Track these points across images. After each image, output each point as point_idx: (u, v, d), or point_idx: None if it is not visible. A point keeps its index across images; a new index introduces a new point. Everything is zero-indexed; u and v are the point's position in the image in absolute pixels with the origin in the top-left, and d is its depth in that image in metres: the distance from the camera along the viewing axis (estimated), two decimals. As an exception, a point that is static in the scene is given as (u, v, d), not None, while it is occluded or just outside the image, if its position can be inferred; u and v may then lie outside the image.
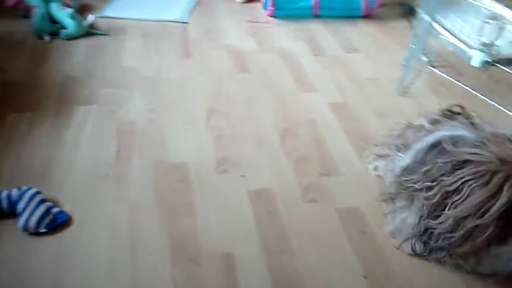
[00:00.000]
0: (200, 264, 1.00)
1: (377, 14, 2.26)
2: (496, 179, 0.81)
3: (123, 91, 1.58)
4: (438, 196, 0.86)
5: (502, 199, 0.80)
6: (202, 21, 2.15)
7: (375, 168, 1.24)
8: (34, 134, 1.37)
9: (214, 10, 2.27)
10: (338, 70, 1.78)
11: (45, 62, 1.75)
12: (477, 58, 1.79)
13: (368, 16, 2.24)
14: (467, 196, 0.83)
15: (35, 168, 1.24)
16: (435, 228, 0.87)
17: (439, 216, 0.87)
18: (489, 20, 1.76)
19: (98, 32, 1.97)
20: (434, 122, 1.08)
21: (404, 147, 1.10)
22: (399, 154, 1.12)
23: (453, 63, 1.86)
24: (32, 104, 1.50)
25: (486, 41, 1.77)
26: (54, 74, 1.68)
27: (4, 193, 1.08)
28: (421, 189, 0.90)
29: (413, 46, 1.60)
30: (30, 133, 1.37)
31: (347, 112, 1.53)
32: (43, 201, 1.09)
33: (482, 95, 1.64)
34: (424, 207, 0.89)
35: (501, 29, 1.71)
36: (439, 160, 0.89)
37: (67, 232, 1.06)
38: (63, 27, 1.92)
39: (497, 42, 1.78)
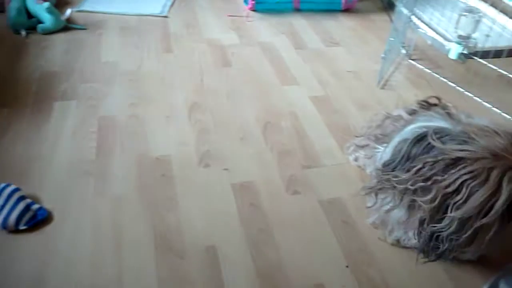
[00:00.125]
0: (184, 257, 1.00)
1: (357, 8, 2.28)
2: (494, 176, 0.82)
3: (103, 86, 1.56)
4: (438, 199, 0.85)
5: (503, 195, 0.81)
6: (183, 15, 2.13)
7: (356, 159, 1.25)
8: (12, 131, 1.34)
9: (194, 4, 2.25)
10: (319, 63, 1.79)
11: (22, 58, 1.71)
12: (454, 50, 1.83)
13: (348, 10, 2.25)
14: (468, 196, 0.83)
15: (14, 164, 1.22)
16: (441, 231, 0.86)
17: (442, 219, 0.86)
18: (465, 13, 1.80)
19: (76, 26, 1.94)
20: (412, 112, 1.10)
21: (383, 137, 1.11)
22: (378, 146, 1.13)
23: (432, 56, 1.89)
24: (9, 101, 1.47)
25: (463, 34, 1.81)
26: (31, 69, 1.64)
27: (-18, 190, 1.06)
28: (415, 190, 0.89)
29: (392, 40, 1.62)
30: (8, 129, 1.34)
31: (328, 105, 1.54)
32: (22, 198, 1.07)
33: (460, 87, 1.67)
34: (424, 211, 0.88)
35: (477, 22, 1.75)
36: (429, 159, 0.87)
37: (48, 229, 1.05)
38: (40, 22, 1.88)
39: (474, 35, 1.82)
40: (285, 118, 1.46)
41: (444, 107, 1.07)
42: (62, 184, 1.17)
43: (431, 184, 0.86)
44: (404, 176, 0.91)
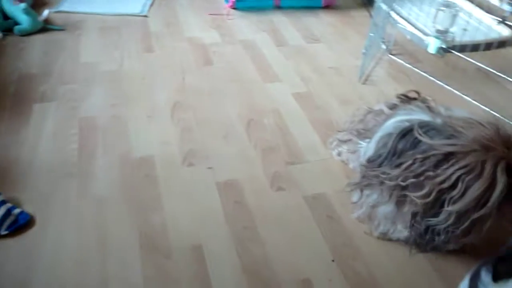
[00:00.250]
0: (170, 257, 1.00)
1: (337, 4, 2.29)
2: (488, 169, 0.83)
3: (83, 87, 1.54)
4: (433, 194, 0.86)
5: (499, 186, 0.82)
6: (163, 14, 2.11)
7: (339, 154, 1.26)
8: (-10, 134, 1.31)
9: (174, 3, 2.24)
10: (301, 60, 1.80)
11: (-1, 60, 1.68)
12: (433, 45, 1.85)
13: (328, 6, 2.27)
14: (464, 190, 0.83)
15: (-7, 169, 1.20)
16: (437, 225, 0.87)
17: (438, 213, 0.87)
18: (443, 8, 1.83)
19: (54, 27, 1.91)
20: (392, 107, 1.11)
21: (365, 132, 1.12)
22: (360, 141, 1.14)
23: (411, 51, 1.91)
24: (-13, 103, 1.44)
25: (441, 28, 1.83)
26: (9, 71, 1.61)
27: (-39, 196, 1.04)
28: (406, 186, 0.89)
29: (372, 35, 1.63)
30: (-14, 133, 1.32)
31: (310, 101, 1.55)
32: (3, 202, 1.05)
33: (439, 80, 1.70)
34: (417, 206, 0.89)
35: (454, 16, 1.78)
36: (419, 156, 0.88)
37: (30, 233, 1.03)
38: (17, 23, 1.84)
39: (451, 29, 1.85)
40: (268, 115, 1.46)
41: (424, 101, 1.08)
42: (44, 187, 1.15)
43: (424, 179, 0.87)
44: (394, 172, 0.91)
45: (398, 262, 1.03)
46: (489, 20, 2.10)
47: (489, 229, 0.93)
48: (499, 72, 1.66)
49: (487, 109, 1.56)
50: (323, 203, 1.16)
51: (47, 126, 1.35)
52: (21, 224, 1.03)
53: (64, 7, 2.09)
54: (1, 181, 1.15)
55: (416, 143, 0.91)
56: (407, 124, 0.97)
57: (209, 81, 1.62)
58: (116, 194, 1.14)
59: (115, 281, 0.94)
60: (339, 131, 1.30)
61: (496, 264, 0.88)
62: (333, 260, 1.02)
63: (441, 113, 0.98)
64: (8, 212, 1.03)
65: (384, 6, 1.77)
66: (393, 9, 1.96)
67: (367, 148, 1.05)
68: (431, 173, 0.86)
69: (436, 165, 0.86)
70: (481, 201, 0.83)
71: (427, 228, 0.89)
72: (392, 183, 0.91)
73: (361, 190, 1.03)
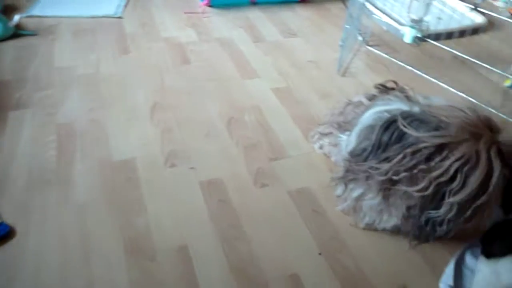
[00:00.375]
0: (156, 259, 0.98)
1: (313, -2, 2.30)
2: (483, 156, 0.83)
3: (59, 92, 1.51)
4: (431, 188, 0.86)
5: (496, 171, 0.83)
6: (138, 14, 2.09)
7: (321, 147, 1.27)
8: (-36, 145, 1.28)
9: (149, 3, 2.21)
10: (279, 55, 1.79)
11: (-30, 68, 1.63)
12: (408, 34, 1.87)
13: (304, 0, 2.27)
14: (464, 181, 0.84)
15: (-31, 180, 1.17)
16: (438, 217, 0.87)
17: (439, 205, 0.87)
18: (417, -3, 1.84)
19: (26, 32, 1.86)
20: (371, 98, 1.12)
21: (345, 124, 1.12)
22: (340, 134, 1.13)
23: (388, 41, 1.93)
24: (-41, 114, 1.40)
25: (416, 18, 1.85)
26: (-19, 80, 1.57)
27: None
28: (398, 180, 0.89)
29: (348, 27, 1.64)
30: (-40, 144, 1.28)
31: (290, 96, 1.55)
32: (-20, 214, 1.03)
33: (417, 69, 1.71)
34: (412, 200, 0.89)
35: (428, 5, 1.79)
36: (408, 150, 0.87)
37: (11, 244, 1.01)
38: (-13, 30, 1.80)
39: (426, 18, 1.87)
40: (248, 112, 1.46)
41: (402, 90, 1.09)
42: (23, 196, 1.12)
43: (417, 172, 0.87)
44: (385, 166, 0.90)
45: (385, 253, 1.04)
46: (462, 8, 2.13)
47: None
48: (474, 58, 1.68)
49: (464, 95, 1.59)
50: (307, 197, 1.16)
51: (24, 134, 1.32)
52: (1, 236, 1.01)
53: (36, 11, 2.04)
54: (-22, 192, 1.13)
55: (401, 135, 0.90)
56: (386, 115, 0.97)
57: (188, 80, 1.61)
58: (97, 199, 1.12)
59: (100, 286, 0.93)
60: (320, 125, 1.30)
61: (487, 242, 0.89)
62: (320, 254, 1.02)
63: (419, 101, 0.99)
64: (-13, 224, 1.01)
65: (359, -2, 1.78)
66: (368, 0, 1.97)
67: (348, 141, 1.05)
68: (424, 166, 0.86)
69: (429, 158, 0.86)
70: (482, 188, 0.84)
71: (427, 220, 0.89)
72: (383, 177, 0.90)
73: (345, 184, 1.03)
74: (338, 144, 1.16)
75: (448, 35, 1.91)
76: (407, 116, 0.92)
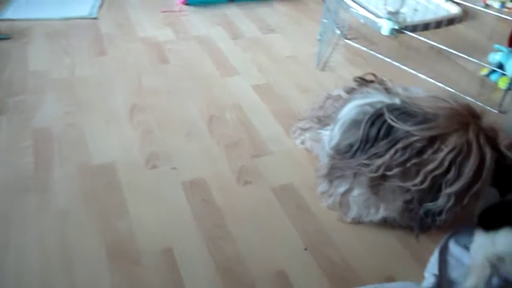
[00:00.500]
0: (140, 263, 0.97)
1: (290, -7, 2.29)
2: (474, 144, 0.84)
3: (34, 97, 1.48)
4: (427, 181, 0.86)
5: (488, 157, 0.84)
6: (113, 15, 2.05)
7: (302, 142, 1.26)
8: None
9: (125, 3, 2.17)
10: (258, 51, 1.79)
11: None
12: (386, 27, 1.88)
13: (281, -5, 2.26)
14: (459, 171, 0.85)
15: None
16: (437, 208, 0.88)
17: (436, 197, 0.88)
18: (392, -11, 1.85)
19: (-2, 36, 1.81)
20: (350, 91, 1.12)
21: (324, 118, 1.12)
22: (321, 130, 1.12)
23: (366, 34, 1.93)
24: None
25: (392, 10, 1.86)
26: (-48, 87, 1.52)
27: None
28: (391, 176, 0.89)
29: (326, 21, 1.64)
30: None
31: (271, 92, 1.54)
32: (-44, 225, 1.00)
33: (395, 61, 1.72)
34: (407, 194, 0.89)
35: (404, -3, 1.80)
36: (399, 145, 0.87)
37: (-11, 255, 0.98)
38: (-43, 35, 1.74)
39: (402, 10, 1.88)
40: (229, 109, 1.45)
41: (381, 82, 1.09)
42: (0, 205, 1.09)
43: (410, 166, 0.87)
44: (377, 162, 0.90)
45: (370, 245, 1.04)
46: (438, -1, 2.15)
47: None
48: (450, 48, 1.70)
49: (441, 85, 1.60)
50: (291, 193, 1.16)
51: (-1, 141, 1.29)
52: (-22, 247, 0.98)
53: (8, 14, 1.99)
54: (-47, 203, 1.09)
55: (389, 129, 0.90)
56: (368, 108, 0.96)
57: (167, 80, 1.59)
58: (77, 204, 1.10)
59: (84, 294, 0.91)
60: (300, 120, 1.30)
61: (485, 219, 0.92)
62: (305, 249, 1.02)
63: (399, 93, 0.99)
64: (-37, 235, 0.97)
65: (335, -8, 1.78)
66: (344, -6, 1.97)
67: (331, 136, 1.04)
68: (417, 160, 0.86)
69: (420, 151, 0.86)
70: (476, 176, 0.85)
71: (426, 212, 0.90)
72: (374, 174, 0.90)
73: (330, 181, 1.03)
74: (320, 139, 1.16)
75: (424, 26, 1.93)
76: (394, 110, 0.91)
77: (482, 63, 1.63)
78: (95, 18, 2.01)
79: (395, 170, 0.88)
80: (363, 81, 1.12)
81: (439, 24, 1.96)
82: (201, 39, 1.86)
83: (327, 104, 1.16)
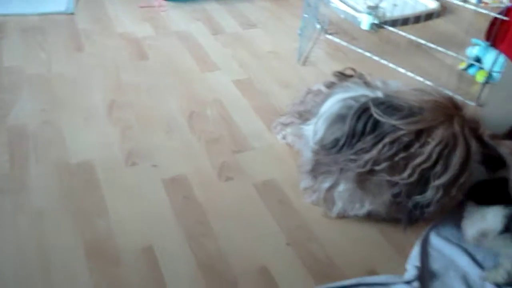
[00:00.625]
0: (120, 263, 0.95)
1: (270, -12, 2.28)
2: (460, 137, 0.85)
3: (9, 94, 1.43)
4: (415, 175, 0.87)
5: (473, 148, 0.86)
6: (91, 10, 2.01)
7: (283, 137, 1.26)
8: None
9: (102, -2, 2.13)
10: (239, 47, 1.77)
11: None
12: (365, 21, 1.89)
13: (261, -10, 2.25)
14: (446, 164, 0.86)
15: None
16: (426, 200, 0.89)
17: (424, 190, 0.88)
18: (372, -16, 1.86)
19: (-29, 32, 1.76)
20: (330, 85, 1.11)
21: (305, 113, 1.12)
22: (303, 125, 1.12)
23: (346, 29, 1.94)
24: None
25: (372, 4, 1.87)
26: None
27: None
28: (381, 170, 0.89)
29: (306, 16, 1.63)
30: None
31: (252, 87, 1.53)
32: None
33: (375, 56, 1.73)
34: (394, 187, 0.90)
35: (383, -8, 1.81)
36: (386, 140, 0.87)
37: (-37, 257, 0.95)
38: None
39: (381, 5, 1.89)
40: (210, 105, 1.43)
41: (360, 76, 1.09)
42: (-26, 205, 1.06)
43: (398, 161, 0.87)
44: (364, 157, 0.90)
45: (353, 239, 1.04)
46: (417, -6, 2.16)
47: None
48: (429, 43, 1.72)
49: (421, 79, 1.62)
50: (273, 189, 1.15)
51: (-28, 140, 1.25)
52: (-50, 249, 0.95)
53: (-20, 10, 1.93)
54: None
55: (375, 123, 0.90)
56: (352, 102, 0.96)
57: (146, 76, 1.56)
58: (55, 204, 1.07)
59: (63, 295, 0.89)
60: (281, 115, 1.29)
61: (476, 194, 0.95)
62: (288, 244, 1.02)
63: (378, 86, 0.99)
64: None
65: (315, -14, 1.77)
66: (324, -11, 1.97)
67: (315, 131, 1.03)
68: (404, 154, 0.87)
69: (408, 145, 0.87)
70: (463, 167, 0.86)
71: (415, 204, 0.91)
72: (363, 169, 0.90)
73: (315, 177, 1.02)
74: (302, 135, 1.15)
75: (404, 21, 1.94)
76: (379, 104, 0.91)
77: (460, 57, 1.65)
78: (72, 14, 1.96)
79: (383, 165, 0.88)
80: (342, 76, 1.12)
81: (418, 19, 1.98)
82: (181, 34, 1.84)
83: (307, 99, 1.15)
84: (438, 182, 0.87)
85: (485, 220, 0.91)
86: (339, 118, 0.97)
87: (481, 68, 1.63)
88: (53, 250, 0.97)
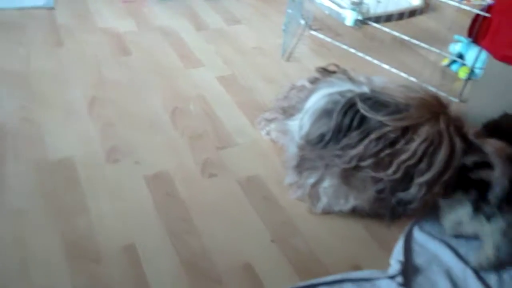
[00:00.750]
0: (101, 262, 0.93)
1: (254, -16, 2.26)
2: (445, 134, 0.85)
3: (-14, 90, 1.40)
4: (400, 172, 0.87)
5: (458, 146, 0.86)
6: (71, 4, 1.96)
7: (267, 133, 1.25)
8: None
9: (83, -7, 2.09)
10: (223, 42, 1.76)
11: None
12: (350, 18, 1.89)
13: (245, -14, 2.23)
14: (431, 161, 0.86)
15: None
16: (409, 197, 0.89)
17: (408, 187, 0.88)
18: (356, -20, 1.86)
19: None
20: (314, 81, 1.11)
21: (289, 109, 1.11)
22: (287, 121, 1.11)
23: (331, 25, 1.93)
24: None
25: (356, 0, 1.87)
26: None
27: None
28: (366, 166, 0.89)
29: (290, 11, 1.63)
30: None
31: (236, 83, 1.52)
32: None
33: (359, 52, 1.73)
34: (384, 184, 0.89)
35: (367, -12, 1.81)
36: (372, 136, 0.87)
37: None
38: None
39: (366, 1, 1.89)
40: (193, 101, 1.41)
41: (344, 72, 1.08)
42: (-52, 205, 1.03)
43: (383, 157, 0.87)
44: (350, 153, 0.89)
45: (337, 235, 1.04)
46: (400, -10, 2.17)
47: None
48: (413, 39, 1.72)
49: (405, 75, 1.62)
50: (257, 185, 1.14)
51: None
52: None
53: (-44, 4, 1.88)
54: None
55: (362, 119, 0.90)
56: (338, 97, 0.95)
57: (129, 72, 1.54)
58: (34, 203, 1.05)
59: (42, 296, 0.87)
60: (265, 111, 1.28)
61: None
62: (272, 241, 1.01)
63: (362, 82, 0.99)
64: None
65: (299, -18, 1.77)
66: (309, -15, 1.96)
67: (301, 126, 1.02)
68: (390, 151, 0.86)
69: (394, 142, 0.86)
70: (447, 165, 0.87)
71: (399, 201, 0.91)
72: (348, 165, 0.90)
73: (300, 172, 1.02)
74: (286, 130, 1.14)
75: (387, 18, 1.95)
76: (366, 99, 0.91)
77: (443, 53, 1.66)
78: (51, 8, 1.92)
79: (368, 161, 0.88)
80: (325, 72, 1.11)
81: (401, 15, 1.99)
82: (164, 30, 1.81)
83: (291, 94, 1.14)
84: (422, 179, 0.87)
85: (454, 209, 0.95)
86: (325, 113, 0.96)
87: (463, 65, 1.64)
88: (33, 249, 0.94)
